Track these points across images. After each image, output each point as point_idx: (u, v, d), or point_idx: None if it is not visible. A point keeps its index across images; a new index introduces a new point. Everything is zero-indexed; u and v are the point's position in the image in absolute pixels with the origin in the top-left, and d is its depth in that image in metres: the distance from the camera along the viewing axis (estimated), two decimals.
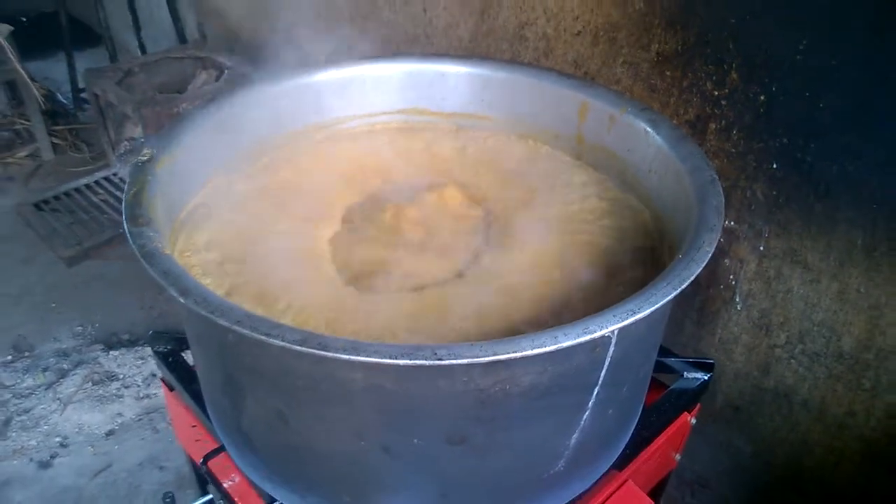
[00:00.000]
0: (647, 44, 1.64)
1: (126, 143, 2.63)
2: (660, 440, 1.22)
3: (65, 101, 3.78)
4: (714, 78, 1.54)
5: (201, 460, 1.06)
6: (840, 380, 1.59)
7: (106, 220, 2.38)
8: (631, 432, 1.07)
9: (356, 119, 1.34)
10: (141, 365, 2.11)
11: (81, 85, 3.70)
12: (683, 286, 0.77)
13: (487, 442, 0.81)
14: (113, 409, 1.98)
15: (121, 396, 2.01)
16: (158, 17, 3.78)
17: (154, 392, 2.05)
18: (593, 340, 0.76)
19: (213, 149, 1.13)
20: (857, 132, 1.36)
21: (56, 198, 2.51)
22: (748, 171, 1.56)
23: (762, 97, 1.47)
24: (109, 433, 1.94)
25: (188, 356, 1.28)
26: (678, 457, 1.38)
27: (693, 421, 1.31)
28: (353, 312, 0.90)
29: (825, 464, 1.70)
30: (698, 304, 1.83)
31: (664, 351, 1.29)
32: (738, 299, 1.72)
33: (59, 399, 2.01)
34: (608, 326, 0.72)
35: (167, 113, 2.04)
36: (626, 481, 1.17)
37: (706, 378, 1.25)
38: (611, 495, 1.14)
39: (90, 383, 2.03)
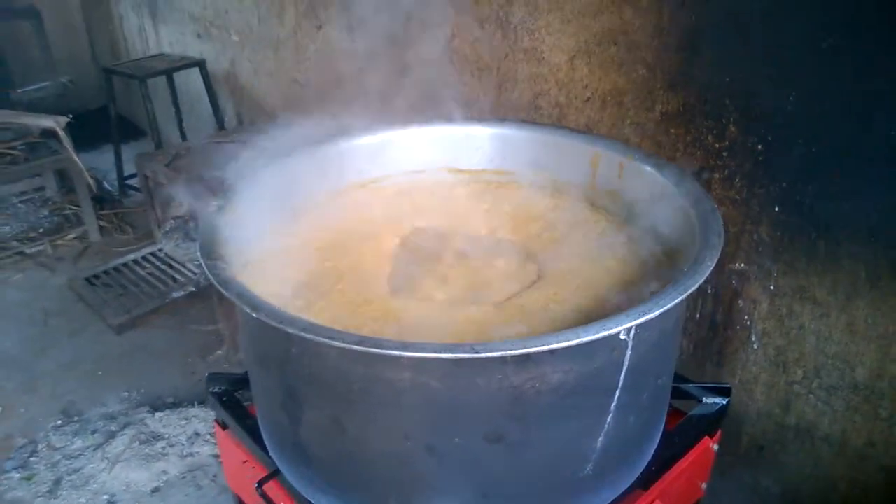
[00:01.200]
0: (652, 105, 1.80)
1: (172, 220, 2.83)
2: (683, 462, 1.29)
3: (110, 188, 4.05)
4: (714, 132, 1.69)
5: (256, 484, 1.15)
6: (858, 411, 1.64)
7: (153, 291, 2.54)
8: (654, 447, 1.15)
9: (392, 177, 1.50)
10: (185, 425, 2.21)
11: (126, 173, 3.99)
12: (689, 292, 0.88)
13: (522, 440, 0.91)
14: (158, 468, 2.07)
15: (166, 455, 2.10)
16: (199, 109, 4.10)
17: (197, 451, 2.14)
18: (611, 339, 0.87)
19: (270, 202, 1.29)
20: (848, 173, 1.49)
21: (105, 273, 2.69)
22: (752, 215, 1.68)
23: (759, 146, 1.61)
24: (155, 490, 2.02)
25: (240, 397, 1.40)
26: (704, 486, 1.43)
27: (716, 447, 1.38)
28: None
29: (850, 498, 1.72)
30: (717, 346, 1.91)
31: (682, 379, 1.38)
32: (754, 339, 1.80)
33: (107, 458, 2.11)
34: (624, 324, 0.83)
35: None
36: (653, 501, 1.23)
37: (724, 402, 1.33)
38: None
39: (137, 443, 2.13)
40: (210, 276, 0.94)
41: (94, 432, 2.23)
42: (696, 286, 0.90)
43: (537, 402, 0.87)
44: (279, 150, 1.38)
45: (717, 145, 1.70)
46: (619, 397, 0.94)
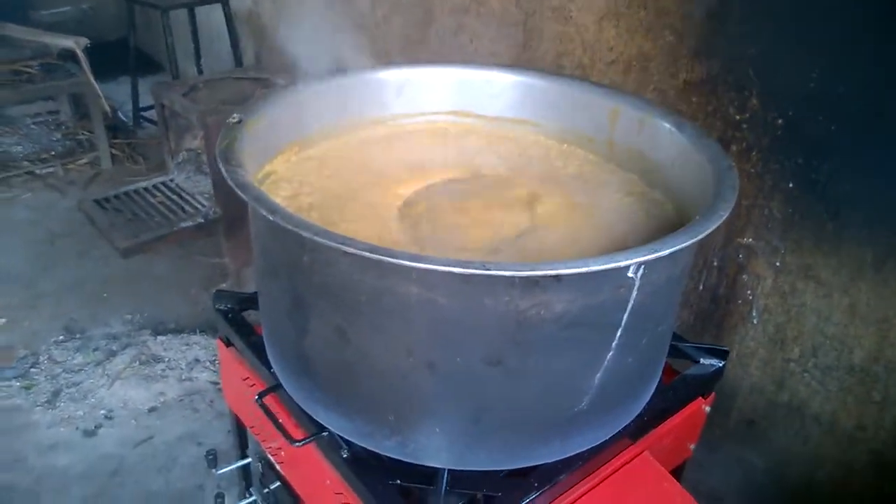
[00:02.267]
0: (676, 73, 1.80)
1: (185, 152, 2.84)
2: (676, 418, 1.31)
3: (125, 119, 4.05)
4: (736, 103, 1.69)
5: (256, 396, 1.18)
6: (851, 392, 1.67)
7: (161, 219, 2.56)
8: (649, 396, 1.17)
9: (411, 117, 1.50)
10: (185, 350, 2.24)
11: (142, 105, 3.98)
12: (699, 237, 0.89)
13: (520, 366, 0.92)
14: (157, 388, 2.11)
15: (165, 377, 2.14)
16: (218, 48, 4.08)
17: (196, 376, 2.17)
18: (619, 274, 0.88)
19: (289, 124, 1.29)
20: (864, 154, 1.49)
21: (116, 197, 2.71)
22: (765, 190, 1.68)
23: (779, 121, 1.61)
24: (152, 409, 2.06)
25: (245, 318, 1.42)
26: (693, 447, 1.46)
27: (707, 409, 1.40)
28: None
29: (836, 478, 1.76)
30: (717, 319, 1.93)
31: (681, 339, 1.39)
32: (754, 314, 1.82)
33: (107, 375, 2.14)
34: (633, 259, 0.84)
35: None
36: (642, 452, 1.26)
37: (721, 365, 1.35)
38: (627, 463, 1.24)
39: (137, 363, 2.17)
40: (229, 180, 0.95)
41: (95, 350, 2.27)
42: (707, 233, 0.91)
43: (541, 328, 0.89)
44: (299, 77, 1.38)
45: (738, 117, 1.69)
46: (620, 336, 0.95)
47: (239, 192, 0.93)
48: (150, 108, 3.73)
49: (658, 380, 1.19)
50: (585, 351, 0.95)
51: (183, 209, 2.68)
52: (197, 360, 2.20)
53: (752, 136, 1.68)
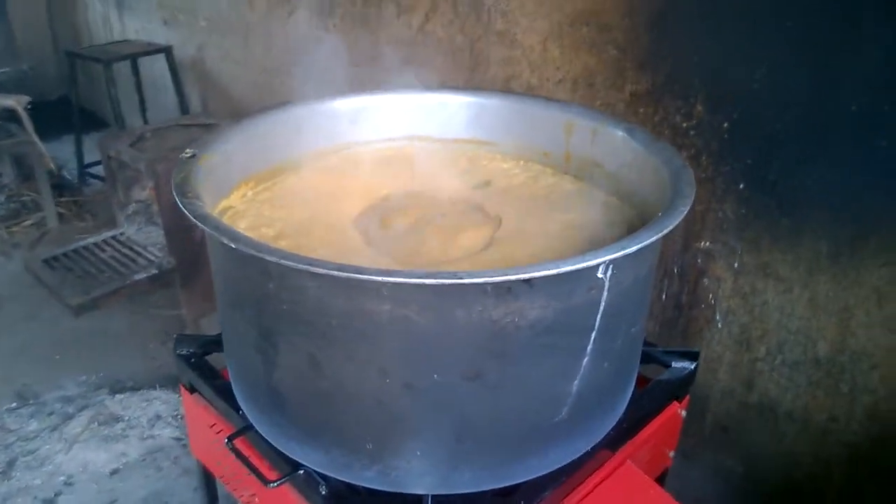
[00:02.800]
0: (622, 86, 1.84)
1: (134, 203, 2.78)
2: (653, 425, 1.31)
3: (70, 177, 3.95)
4: (682, 111, 1.73)
5: (226, 440, 1.13)
6: (819, 386, 1.69)
7: (113, 274, 2.48)
8: (626, 402, 1.16)
9: (368, 144, 1.49)
10: (146, 407, 2.15)
11: (87, 162, 3.90)
12: (663, 233, 0.90)
13: (499, 378, 0.91)
14: (118, 449, 2.01)
15: (126, 436, 2.04)
16: (163, 98, 4.03)
17: (158, 433, 2.08)
18: (589, 275, 0.88)
19: (243, 159, 1.27)
20: (814, 148, 1.54)
21: (65, 255, 2.62)
22: (718, 193, 1.72)
23: (725, 125, 1.66)
24: (114, 472, 1.96)
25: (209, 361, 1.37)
26: (672, 455, 1.45)
27: (683, 413, 1.40)
28: None
29: (814, 474, 1.77)
30: (682, 326, 1.94)
31: (651, 344, 1.40)
32: (718, 317, 1.84)
33: (64, 439, 2.04)
34: (601, 258, 0.84)
35: None
36: (624, 462, 1.25)
37: (693, 367, 1.35)
38: (610, 475, 1.22)
39: (95, 424, 2.07)
40: (187, 212, 0.93)
41: (50, 414, 2.16)
42: (671, 227, 0.92)
43: (516, 337, 0.88)
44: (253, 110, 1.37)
45: (685, 124, 1.74)
46: (594, 339, 0.95)
47: (199, 224, 0.90)
48: (96, 164, 3.65)
49: (633, 386, 1.19)
50: (562, 357, 0.94)
51: (135, 262, 2.60)
52: (158, 417, 2.11)
53: (700, 141, 1.72)
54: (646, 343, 1.37)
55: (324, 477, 1.04)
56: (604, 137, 1.33)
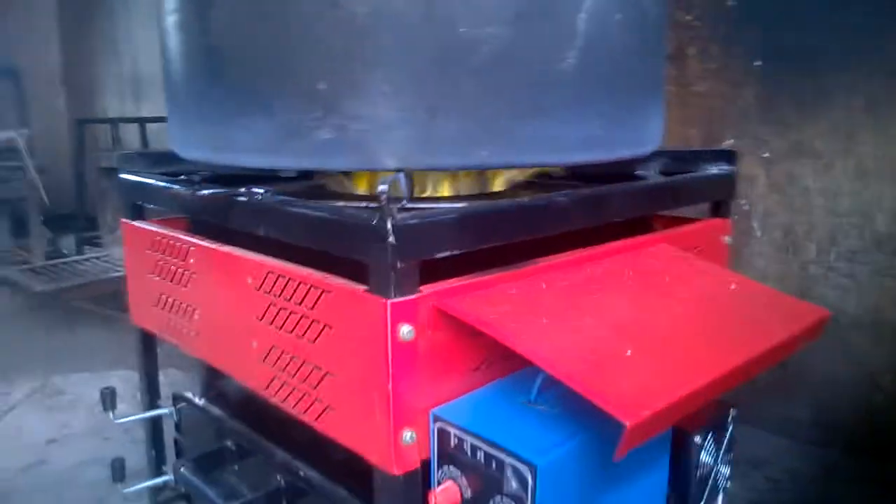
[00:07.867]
0: None
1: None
2: (695, 226, 1.06)
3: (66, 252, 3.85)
4: (680, 4, 1.65)
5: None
6: (888, 274, 1.42)
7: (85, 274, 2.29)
8: (655, 132, 0.94)
9: None
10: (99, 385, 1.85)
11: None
12: None
13: None
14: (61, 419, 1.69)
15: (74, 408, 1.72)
16: None
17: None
18: None
19: None
20: None
21: (43, 267, 2.46)
22: (736, 78, 1.59)
23: (730, 2, 1.57)
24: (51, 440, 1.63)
25: None
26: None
27: (728, 241, 1.14)
28: None
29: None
30: None
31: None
32: (756, 225, 1.62)
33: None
34: None
35: None
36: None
37: (731, 169, 1.12)
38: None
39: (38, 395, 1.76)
40: None
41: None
42: None
43: None
44: None
45: (688, 17, 1.65)
46: None
47: None
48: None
49: (661, 116, 0.97)
50: None
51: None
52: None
53: (706, 29, 1.62)
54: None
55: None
56: None
